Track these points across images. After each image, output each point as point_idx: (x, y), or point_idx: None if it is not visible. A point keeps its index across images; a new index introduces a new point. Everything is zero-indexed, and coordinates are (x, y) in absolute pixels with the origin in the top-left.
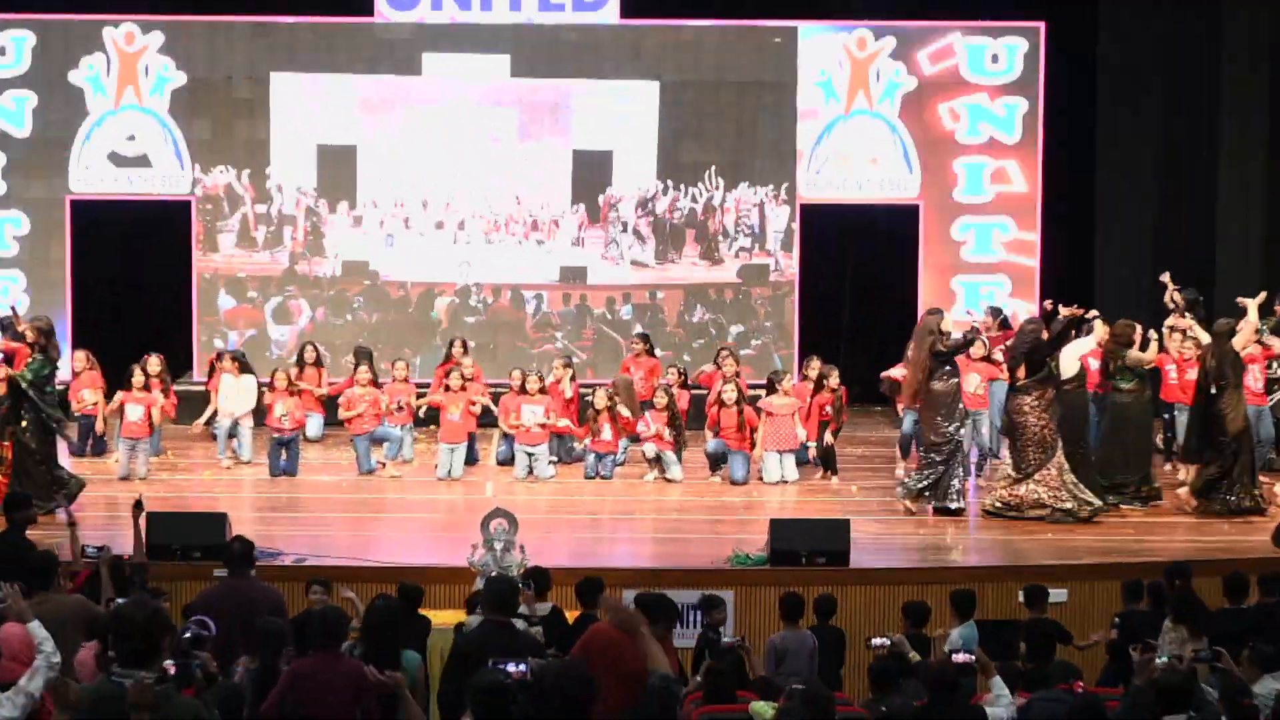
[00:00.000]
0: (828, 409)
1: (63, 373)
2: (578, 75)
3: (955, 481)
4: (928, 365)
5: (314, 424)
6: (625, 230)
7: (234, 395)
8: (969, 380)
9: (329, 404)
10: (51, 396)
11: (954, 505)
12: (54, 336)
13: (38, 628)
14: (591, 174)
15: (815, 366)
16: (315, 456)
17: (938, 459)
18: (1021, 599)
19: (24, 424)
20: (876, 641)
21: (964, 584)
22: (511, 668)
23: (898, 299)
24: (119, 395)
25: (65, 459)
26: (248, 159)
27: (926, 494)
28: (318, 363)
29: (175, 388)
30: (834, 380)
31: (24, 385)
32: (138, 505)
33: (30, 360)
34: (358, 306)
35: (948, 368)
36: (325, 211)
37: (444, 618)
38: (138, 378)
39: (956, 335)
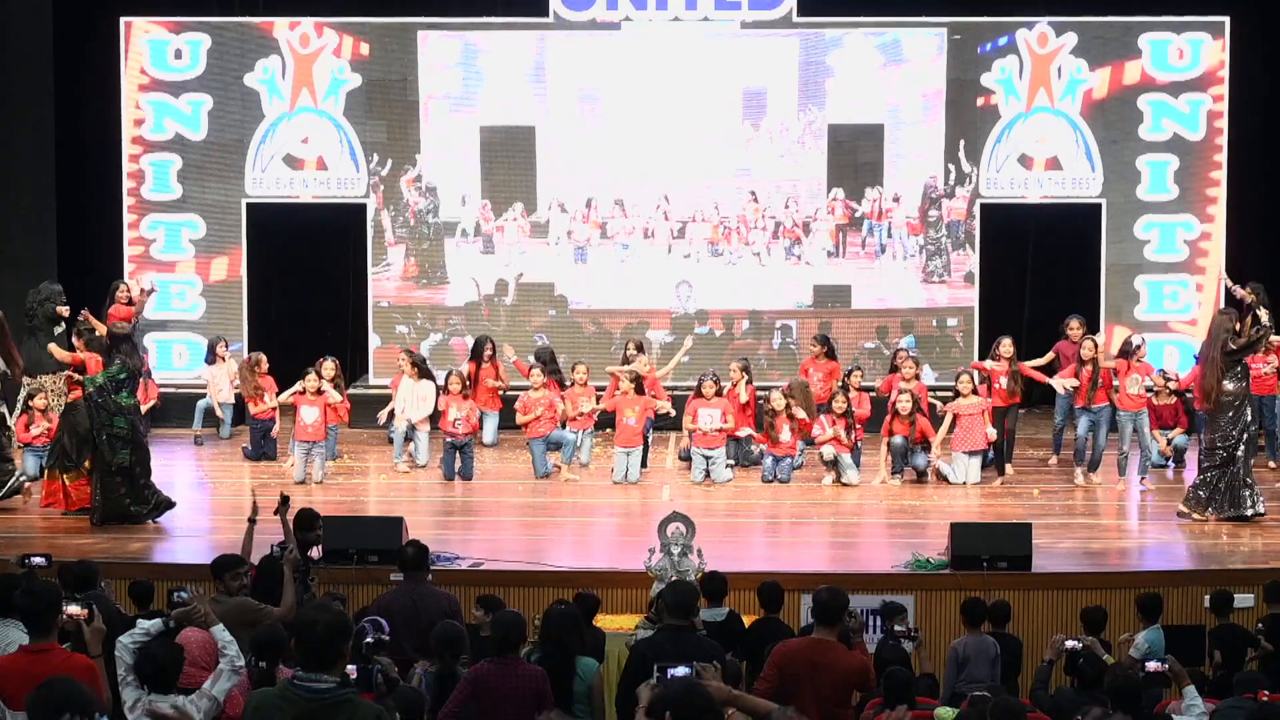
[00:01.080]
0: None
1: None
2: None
3: (1245, 490)
4: (1222, 365)
5: (490, 427)
6: (890, 235)
7: (412, 399)
8: (1130, 383)
9: (507, 406)
10: (129, 405)
11: (1249, 511)
12: (130, 341)
13: (221, 631)
14: (855, 159)
15: (1008, 346)
16: (492, 460)
17: (1216, 462)
18: (1208, 604)
19: (103, 436)
20: (1070, 644)
21: (1150, 588)
22: (674, 671)
23: (1079, 300)
24: (293, 398)
25: (240, 462)
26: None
27: (1214, 501)
28: (494, 358)
29: (350, 391)
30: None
31: (90, 389)
32: (283, 501)
33: (105, 368)
34: (540, 343)
35: (1238, 368)
36: (492, 216)
37: (621, 622)
38: (312, 381)
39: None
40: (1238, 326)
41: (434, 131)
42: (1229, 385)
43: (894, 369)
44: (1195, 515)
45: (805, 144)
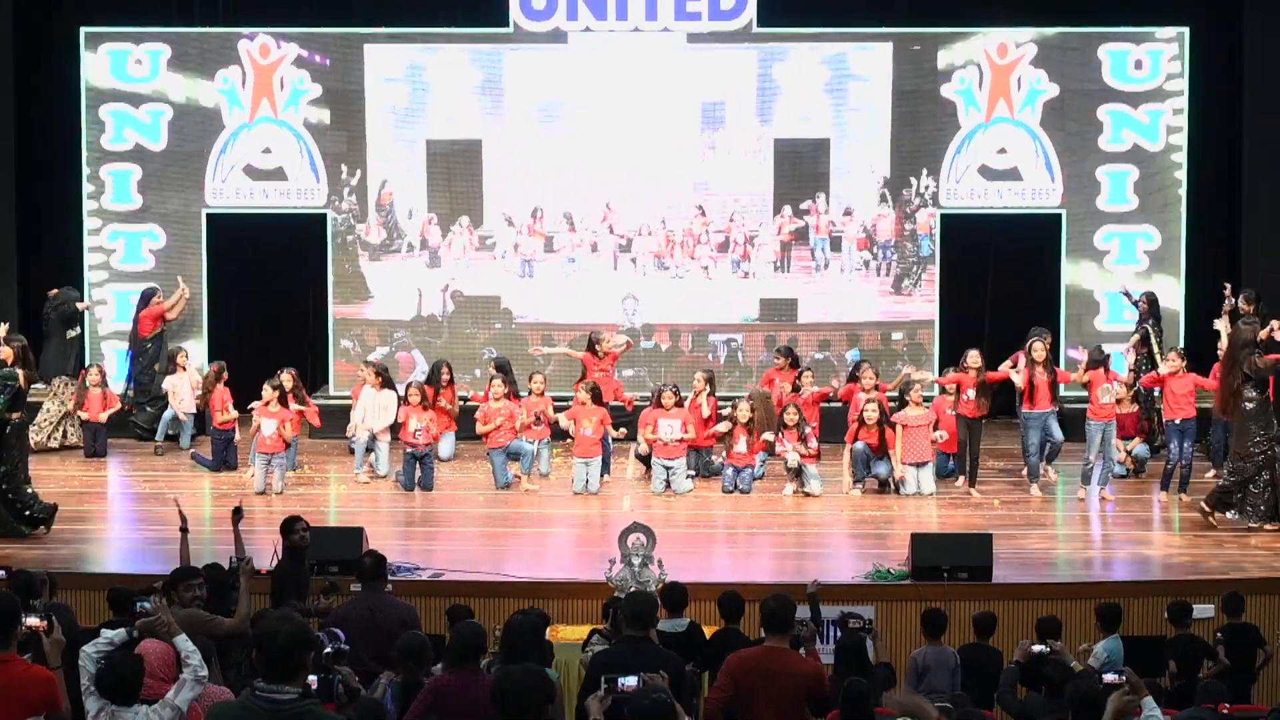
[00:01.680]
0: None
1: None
2: (776, 38)
3: (1263, 503)
4: (1241, 376)
5: (447, 444)
6: (837, 248)
7: (374, 409)
8: (1103, 393)
9: (463, 421)
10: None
11: (1270, 526)
12: (28, 356)
13: (184, 641)
14: (801, 173)
15: (976, 357)
16: (451, 470)
17: (1251, 468)
18: (1166, 614)
19: None
20: (1037, 648)
21: (1110, 599)
22: (623, 681)
23: (1040, 309)
24: (254, 410)
25: (197, 473)
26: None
27: (1233, 503)
28: (451, 382)
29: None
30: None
31: None
32: (237, 512)
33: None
34: (486, 358)
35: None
36: (438, 230)
37: (582, 633)
38: (269, 392)
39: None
40: (1262, 336)
41: (381, 145)
42: (1251, 392)
43: (854, 378)
44: (1215, 515)
45: (753, 158)
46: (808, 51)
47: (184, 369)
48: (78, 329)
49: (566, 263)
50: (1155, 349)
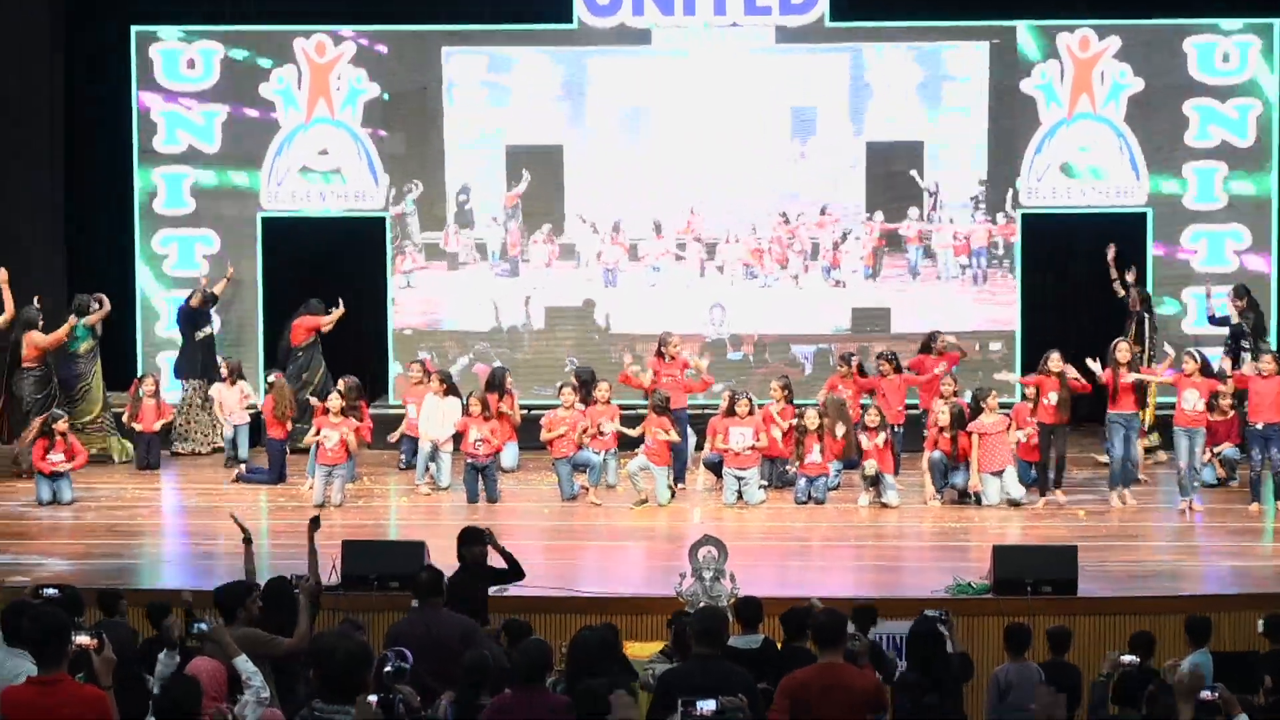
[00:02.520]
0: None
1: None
2: (850, 35)
3: None
4: None
5: (510, 454)
6: (930, 256)
7: (436, 418)
8: (1186, 398)
9: (528, 430)
10: None
11: None
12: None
13: (245, 663)
14: (894, 175)
15: (1057, 360)
16: (515, 481)
17: None
18: (1261, 628)
19: None
20: (1127, 659)
21: (1200, 612)
22: (702, 705)
23: (1124, 312)
24: (317, 421)
25: (258, 490)
26: (433, 173)
27: None
28: (510, 390)
29: (371, 411)
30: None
31: None
32: (314, 523)
33: None
34: (568, 368)
35: None
36: (520, 237)
37: (652, 650)
38: (334, 402)
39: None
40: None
41: (457, 151)
42: None
43: (926, 348)
44: None
45: (844, 163)
46: (899, 51)
47: (236, 379)
48: (208, 329)
49: (650, 271)
50: (1148, 343)
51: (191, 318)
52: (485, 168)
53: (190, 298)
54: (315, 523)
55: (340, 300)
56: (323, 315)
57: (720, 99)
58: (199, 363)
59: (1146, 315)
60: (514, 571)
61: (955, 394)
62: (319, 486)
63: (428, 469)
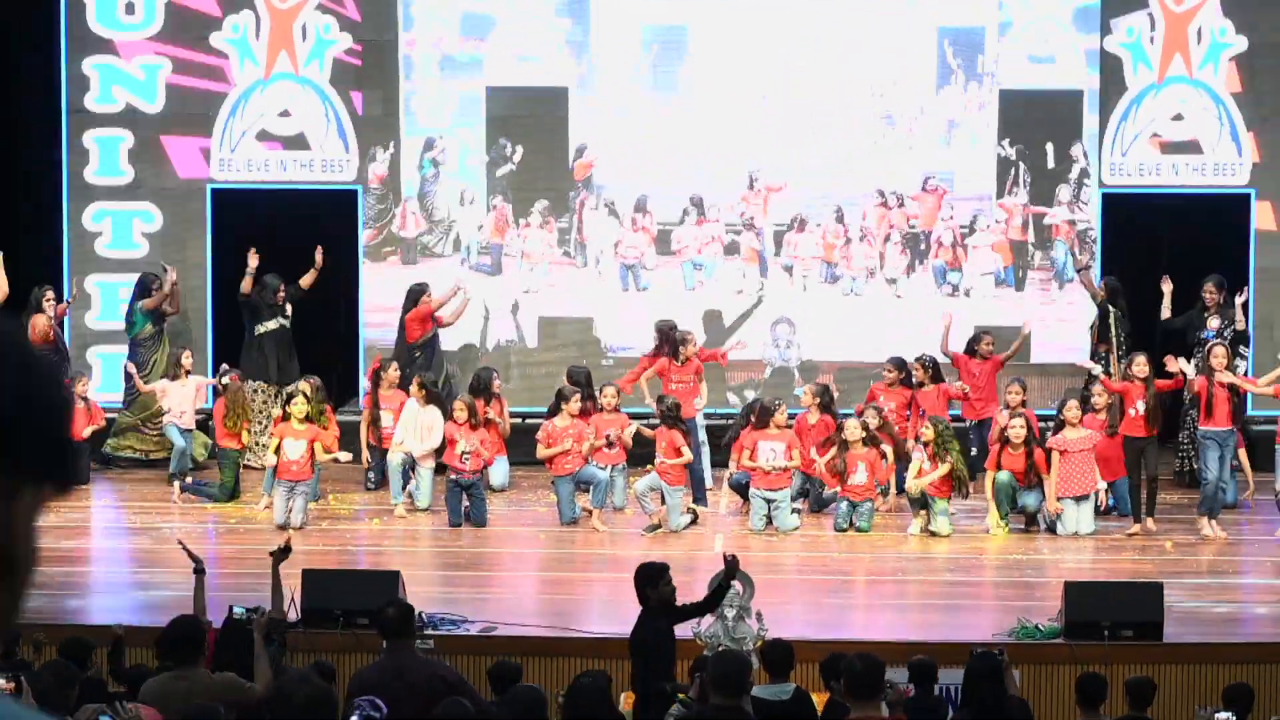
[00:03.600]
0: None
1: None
2: None
3: None
4: None
5: (499, 471)
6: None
7: (415, 428)
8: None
9: (518, 443)
10: None
11: None
12: None
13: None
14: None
15: (1143, 363)
16: (506, 502)
17: None
18: None
19: None
20: (1221, 716)
21: None
22: None
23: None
24: (277, 430)
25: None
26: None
27: None
28: (498, 395)
29: (339, 417)
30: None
31: None
32: (282, 551)
33: None
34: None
35: None
36: (506, 220)
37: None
38: (297, 407)
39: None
40: None
41: (423, 99)
42: None
43: (971, 351)
44: None
45: (970, 119)
46: None
47: (187, 373)
48: (278, 321)
49: (690, 269)
50: (1115, 341)
51: (253, 308)
52: (457, 119)
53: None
54: (283, 552)
55: (165, 267)
56: (433, 300)
57: (795, 16)
58: (263, 362)
59: (1110, 309)
60: (710, 603)
61: (1023, 403)
62: (279, 505)
63: (405, 487)
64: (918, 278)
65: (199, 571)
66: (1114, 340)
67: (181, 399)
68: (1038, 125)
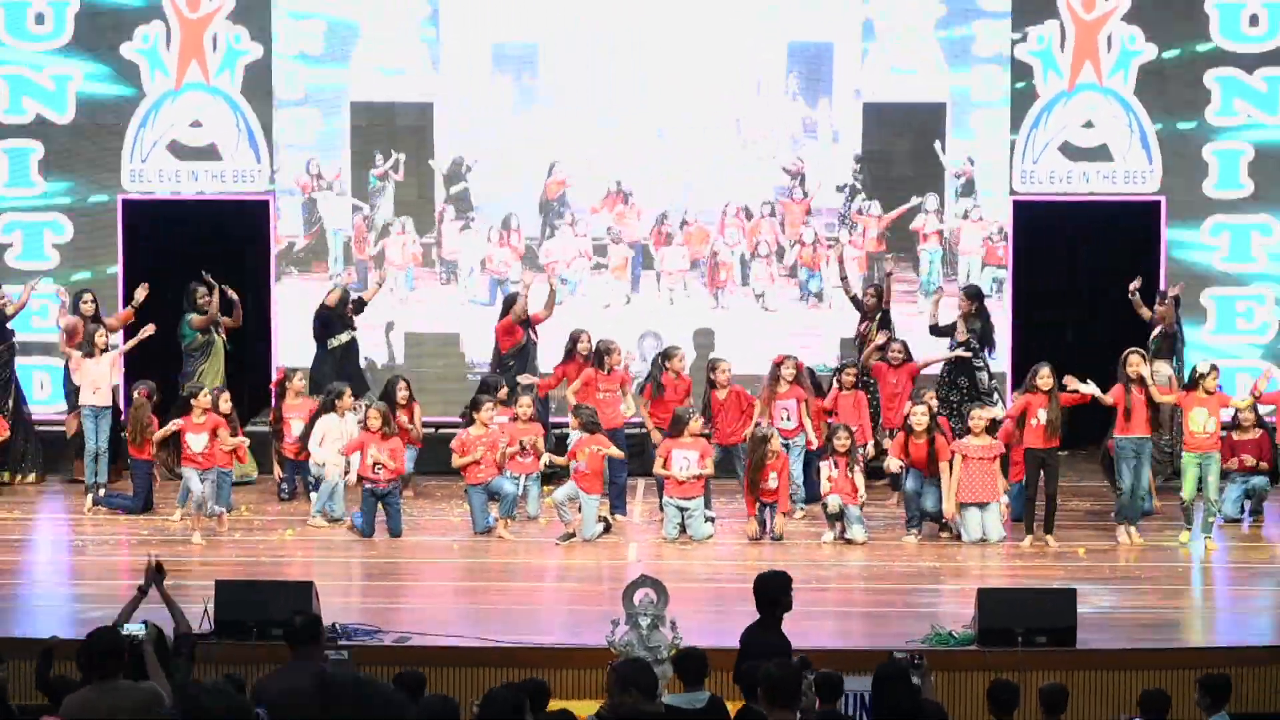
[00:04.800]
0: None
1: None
2: None
3: None
4: None
5: (406, 457)
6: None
7: (334, 439)
8: (1195, 418)
9: (432, 451)
10: None
11: None
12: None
13: None
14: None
15: (1047, 376)
16: (420, 511)
17: None
18: None
19: None
20: None
21: (1218, 667)
22: None
23: (1134, 320)
24: (176, 423)
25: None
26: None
27: None
28: (410, 401)
29: (250, 429)
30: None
31: None
32: (157, 571)
33: None
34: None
35: None
36: (365, 234)
37: (579, 710)
38: (203, 399)
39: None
40: None
41: (288, 111)
42: None
43: (881, 357)
44: None
45: (834, 128)
46: None
47: (101, 350)
48: (349, 333)
49: (557, 284)
50: (977, 365)
51: (326, 321)
52: (321, 131)
53: (326, 296)
54: (159, 570)
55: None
56: (514, 311)
57: (656, 24)
58: (336, 376)
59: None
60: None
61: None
62: (194, 487)
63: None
64: (783, 289)
65: (142, 590)
66: (976, 365)
67: (97, 376)
68: (898, 136)
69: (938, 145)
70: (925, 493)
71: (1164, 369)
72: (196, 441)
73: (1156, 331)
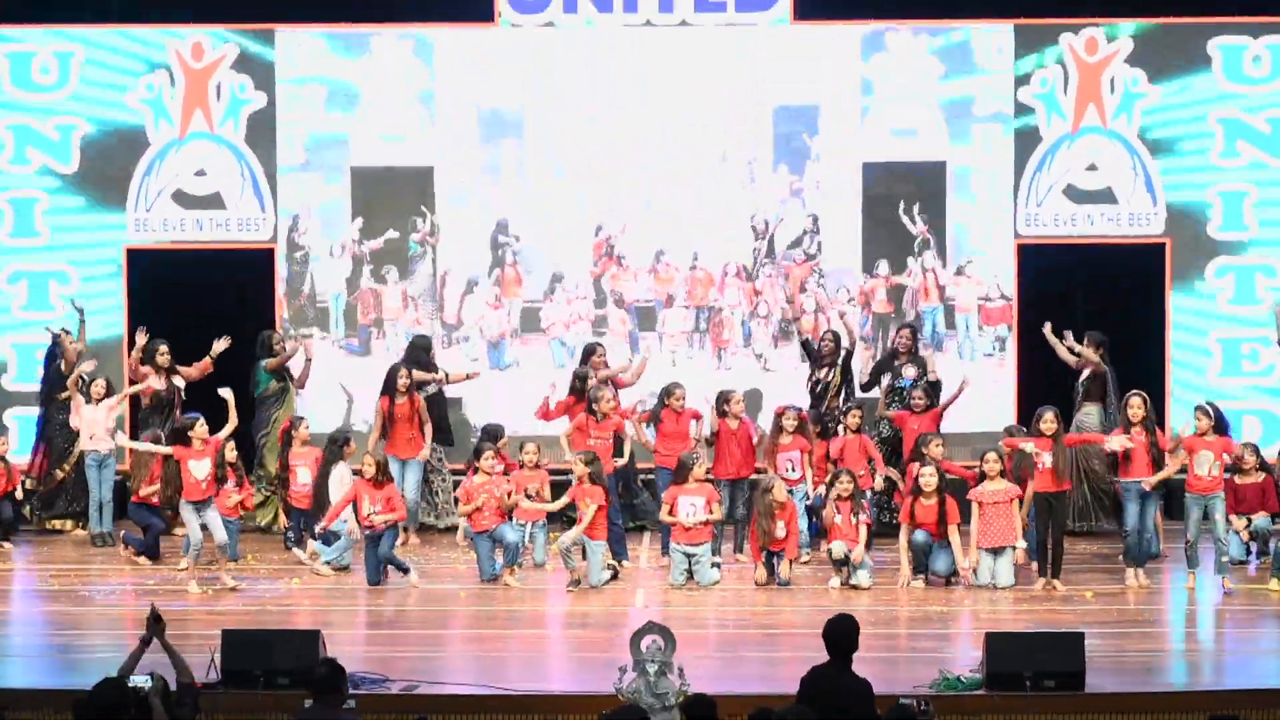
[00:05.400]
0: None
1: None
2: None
3: None
4: None
5: (411, 481)
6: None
7: (340, 487)
8: (1200, 461)
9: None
10: None
11: None
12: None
13: None
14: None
15: (1051, 420)
16: (426, 559)
17: None
18: None
19: None
20: None
21: (1229, 710)
22: None
23: (1139, 363)
24: (174, 450)
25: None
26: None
27: None
28: (411, 390)
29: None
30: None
31: None
32: (155, 620)
33: None
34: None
35: None
36: (373, 300)
37: None
38: (199, 430)
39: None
40: None
41: (295, 179)
42: None
43: (906, 405)
44: None
45: (835, 188)
46: (909, 38)
47: (99, 399)
48: (431, 383)
49: (558, 346)
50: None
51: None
52: (322, 195)
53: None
54: (157, 620)
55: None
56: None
57: (650, 91)
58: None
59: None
60: None
61: (942, 454)
62: (191, 521)
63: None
64: (786, 350)
65: (144, 640)
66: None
67: (93, 422)
68: (900, 197)
69: (904, 216)
70: (936, 555)
71: (1093, 412)
72: (198, 468)
73: (1085, 374)
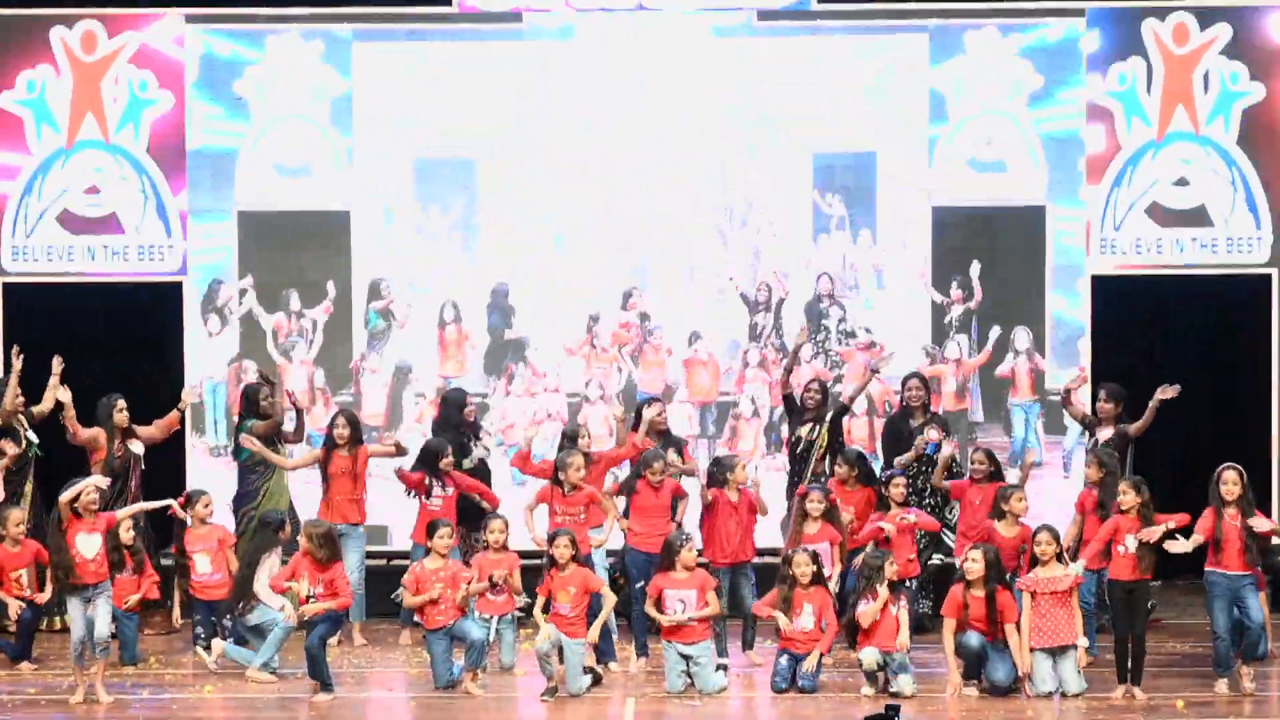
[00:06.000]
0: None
1: None
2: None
3: None
4: None
5: (354, 556)
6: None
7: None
8: None
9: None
10: None
11: None
12: None
13: None
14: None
15: (1133, 494)
16: (370, 660)
17: None
18: None
19: None
20: None
21: None
22: None
23: (1241, 419)
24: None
25: None
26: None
27: None
28: (354, 442)
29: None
30: None
31: None
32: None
33: None
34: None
35: None
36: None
37: None
38: (90, 494)
39: None
40: None
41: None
42: None
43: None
44: None
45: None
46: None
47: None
48: (479, 453)
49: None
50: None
51: (459, 441)
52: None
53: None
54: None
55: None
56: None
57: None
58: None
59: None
60: None
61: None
62: (76, 619)
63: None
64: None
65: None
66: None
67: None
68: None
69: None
70: (993, 660)
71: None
72: (88, 546)
73: (1109, 435)
